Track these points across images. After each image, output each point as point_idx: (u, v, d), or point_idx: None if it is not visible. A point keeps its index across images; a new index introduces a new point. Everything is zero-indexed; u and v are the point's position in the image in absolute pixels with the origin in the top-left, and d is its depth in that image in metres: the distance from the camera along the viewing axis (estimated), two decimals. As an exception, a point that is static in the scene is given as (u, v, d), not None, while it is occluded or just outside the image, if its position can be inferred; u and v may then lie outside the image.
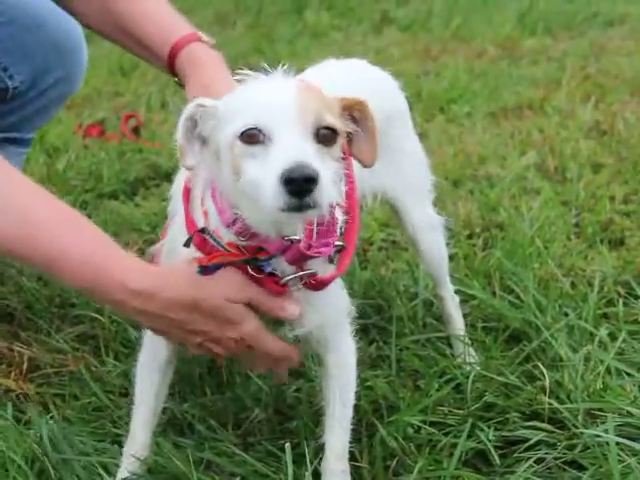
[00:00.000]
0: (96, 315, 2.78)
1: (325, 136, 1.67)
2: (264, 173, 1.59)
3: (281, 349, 1.94)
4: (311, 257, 1.82)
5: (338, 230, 1.88)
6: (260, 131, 1.64)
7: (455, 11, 8.21)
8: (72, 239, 1.87)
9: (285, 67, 1.82)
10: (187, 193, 1.88)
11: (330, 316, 2.00)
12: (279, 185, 1.55)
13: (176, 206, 2.01)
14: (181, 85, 2.34)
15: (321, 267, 1.88)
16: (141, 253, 3.27)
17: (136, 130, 4.73)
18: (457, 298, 2.71)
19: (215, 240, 1.81)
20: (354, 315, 2.08)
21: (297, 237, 1.79)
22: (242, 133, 1.65)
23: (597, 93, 5.44)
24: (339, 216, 1.88)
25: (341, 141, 1.72)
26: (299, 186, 1.55)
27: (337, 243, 1.87)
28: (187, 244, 1.82)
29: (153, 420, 2.11)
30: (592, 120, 4.87)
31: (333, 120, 1.68)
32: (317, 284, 1.88)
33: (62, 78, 2.88)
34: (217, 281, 1.83)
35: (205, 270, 1.82)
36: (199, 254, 1.84)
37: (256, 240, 1.79)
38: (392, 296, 2.91)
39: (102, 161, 4.22)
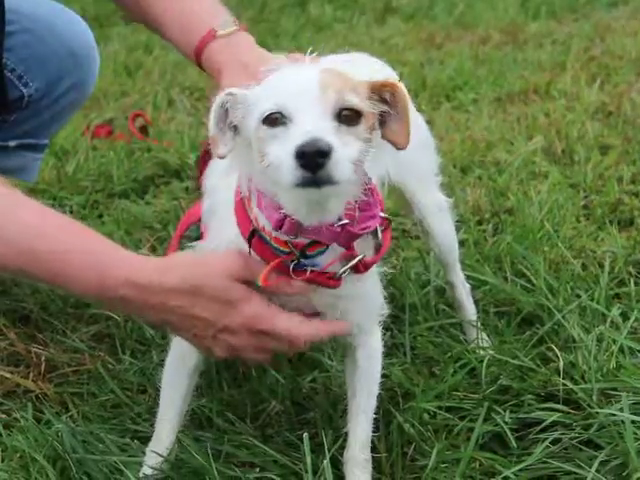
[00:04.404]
0: (111, 314, 2.80)
1: (347, 117, 1.69)
2: (283, 151, 1.62)
3: (296, 325, 1.91)
4: (361, 235, 1.84)
5: (379, 201, 1.90)
6: (281, 113, 1.67)
7: (458, -2, 8.21)
8: (71, 244, 1.89)
9: (313, 54, 1.89)
10: (240, 202, 1.89)
11: (368, 306, 2.03)
12: (293, 160, 1.59)
13: (215, 205, 2.03)
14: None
15: (365, 248, 1.89)
16: (153, 250, 3.30)
17: (144, 129, 4.74)
18: (467, 285, 2.72)
19: (264, 238, 1.84)
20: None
21: (346, 221, 1.81)
22: (266, 117, 1.69)
23: (602, 74, 5.44)
24: (377, 188, 1.91)
25: (367, 122, 1.73)
26: (311, 159, 1.58)
27: (381, 215, 1.89)
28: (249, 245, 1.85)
29: (179, 422, 2.13)
30: (598, 102, 4.87)
31: (356, 101, 1.70)
32: (365, 267, 1.89)
33: (76, 84, 2.90)
34: (217, 262, 1.86)
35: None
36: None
37: (308, 235, 1.81)
38: (404, 284, 2.92)
39: (111, 161, 4.24)
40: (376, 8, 8.24)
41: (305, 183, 1.60)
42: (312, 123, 1.64)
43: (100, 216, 3.74)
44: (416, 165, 2.47)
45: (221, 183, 2.00)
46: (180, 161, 4.22)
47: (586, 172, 3.81)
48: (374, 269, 1.97)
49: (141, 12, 2.51)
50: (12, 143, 2.89)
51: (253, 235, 1.85)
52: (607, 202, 3.53)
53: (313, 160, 1.58)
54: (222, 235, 1.95)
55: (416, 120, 2.54)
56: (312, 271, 1.85)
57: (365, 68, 2.26)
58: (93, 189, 3.99)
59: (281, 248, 1.83)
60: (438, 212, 2.56)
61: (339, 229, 1.80)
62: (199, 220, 2.19)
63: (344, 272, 1.86)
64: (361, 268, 1.88)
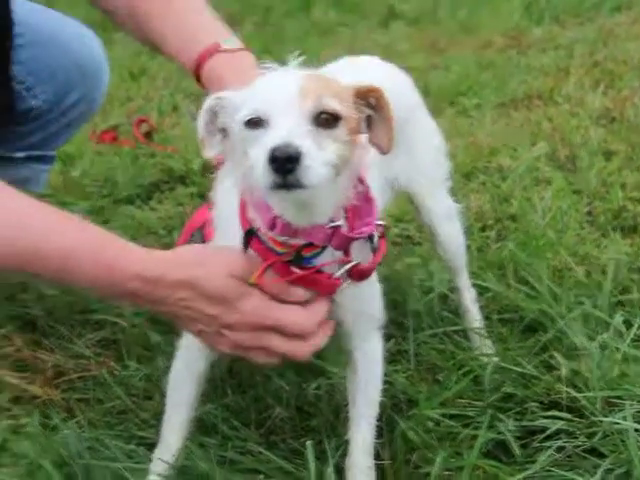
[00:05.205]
0: (117, 320, 2.82)
1: (326, 120, 1.69)
2: (260, 154, 1.63)
3: (305, 316, 1.90)
4: (356, 239, 1.84)
5: (376, 209, 1.89)
6: (260, 117, 1.69)
7: (461, 2, 8.20)
8: (78, 238, 1.87)
9: (300, 58, 1.86)
10: (242, 202, 1.91)
11: (364, 311, 2.03)
12: (266, 164, 1.60)
13: (221, 212, 2.05)
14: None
15: (363, 256, 1.89)
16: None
17: (149, 134, 4.74)
18: (473, 290, 2.73)
19: (262, 239, 1.85)
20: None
21: (339, 223, 1.82)
22: (247, 120, 1.70)
23: (606, 80, 5.43)
24: (374, 195, 1.90)
25: (348, 125, 1.73)
26: (281, 164, 1.59)
27: (377, 222, 1.89)
28: (245, 246, 1.87)
29: (186, 428, 2.12)
30: (602, 107, 4.87)
31: (335, 104, 1.70)
32: (360, 274, 1.89)
33: (83, 97, 2.91)
34: (220, 259, 1.88)
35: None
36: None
37: (301, 236, 1.82)
38: (408, 291, 2.93)
39: (116, 167, 4.25)
40: (379, 13, 8.24)
41: (276, 186, 1.62)
42: (287, 127, 1.65)
43: (105, 222, 3.75)
44: (428, 170, 2.51)
45: (227, 185, 2.02)
46: (185, 167, 4.23)
47: (589, 178, 3.82)
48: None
49: (138, 27, 2.49)
50: (19, 154, 2.90)
51: (250, 235, 1.86)
52: (610, 209, 3.54)
53: (283, 165, 1.60)
54: (227, 236, 1.96)
55: (429, 125, 2.57)
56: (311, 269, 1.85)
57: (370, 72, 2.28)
58: (99, 195, 4.00)
59: (277, 248, 1.84)
60: (447, 217, 2.58)
61: (330, 231, 1.81)
62: (203, 226, 2.21)
63: (342, 274, 1.86)
64: (355, 276, 1.88)
